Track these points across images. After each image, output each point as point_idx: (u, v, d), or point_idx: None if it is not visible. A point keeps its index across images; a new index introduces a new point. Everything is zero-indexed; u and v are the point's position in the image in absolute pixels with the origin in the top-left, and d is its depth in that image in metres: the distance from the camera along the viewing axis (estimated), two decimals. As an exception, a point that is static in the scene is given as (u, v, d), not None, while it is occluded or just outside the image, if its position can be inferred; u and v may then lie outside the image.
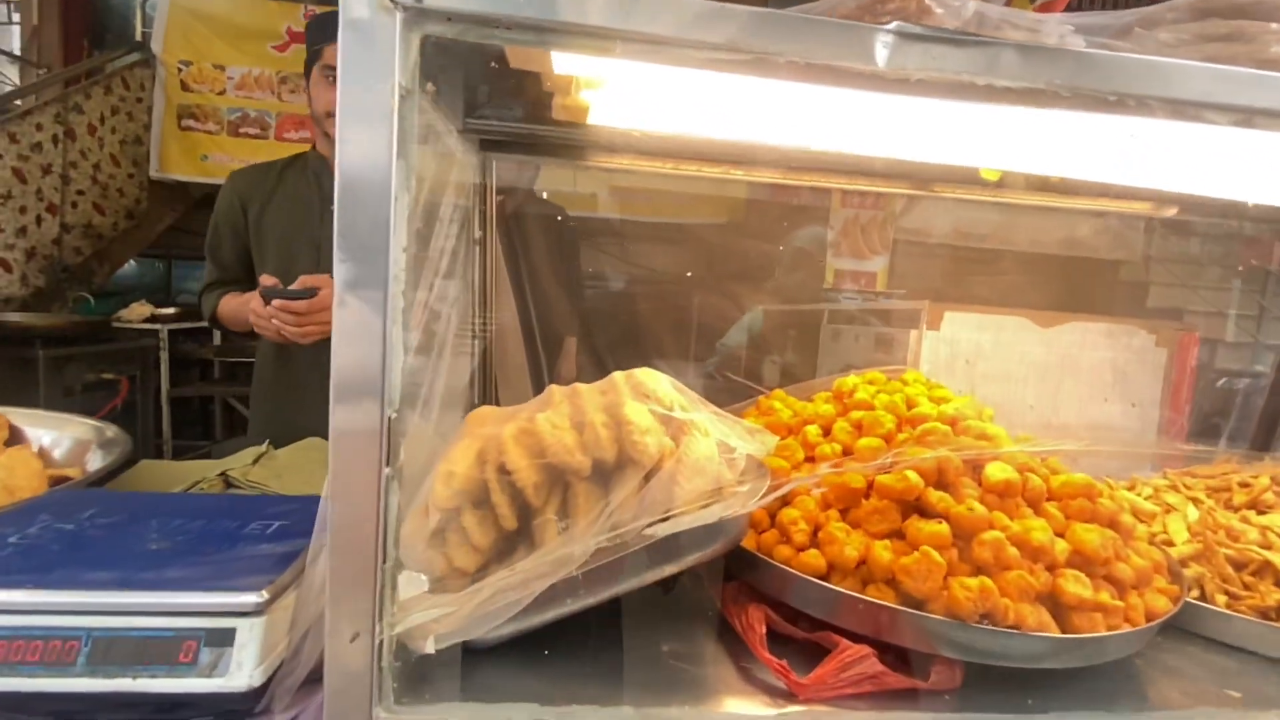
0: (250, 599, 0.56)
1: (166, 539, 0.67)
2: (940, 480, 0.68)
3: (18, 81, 4.27)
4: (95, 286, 3.66)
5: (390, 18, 0.44)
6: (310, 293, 1.16)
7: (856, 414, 0.79)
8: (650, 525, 0.57)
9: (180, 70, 3.80)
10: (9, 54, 4.61)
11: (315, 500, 0.76)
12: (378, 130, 0.45)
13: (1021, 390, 1.30)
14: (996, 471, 0.67)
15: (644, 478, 0.62)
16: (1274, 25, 0.70)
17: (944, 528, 0.63)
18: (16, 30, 5.20)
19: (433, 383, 0.73)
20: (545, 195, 1.55)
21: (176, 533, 0.68)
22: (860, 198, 3.06)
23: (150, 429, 3.46)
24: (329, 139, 1.33)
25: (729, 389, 1.96)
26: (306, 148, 1.44)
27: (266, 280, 1.20)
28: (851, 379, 0.87)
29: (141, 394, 3.36)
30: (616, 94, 0.69)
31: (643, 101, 0.71)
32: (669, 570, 0.62)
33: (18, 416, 1.13)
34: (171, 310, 3.66)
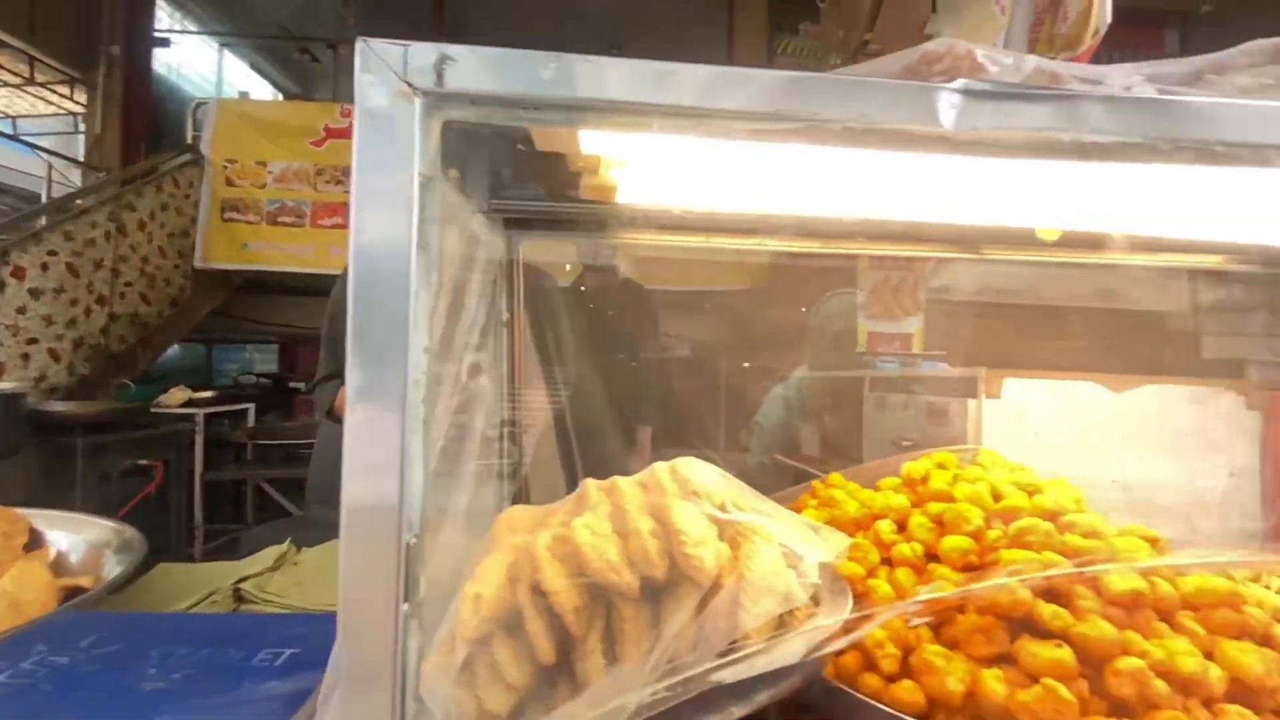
0: (247, 765, 0.47)
1: (165, 676, 0.59)
2: (1049, 590, 0.58)
3: (79, 185, 4.58)
4: (139, 372, 3.76)
5: (410, 104, 0.40)
6: None
7: (935, 506, 0.69)
8: (717, 669, 0.48)
9: (225, 168, 4.03)
10: (72, 159, 4.99)
11: (331, 620, 0.69)
12: (396, 221, 0.40)
13: (1102, 465, 1.17)
14: (1120, 580, 0.56)
15: (701, 598, 0.53)
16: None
17: (1066, 653, 0.53)
18: (81, 139, 5.65)
19: (462, 483, 0.66)
20: (567, 268, 1.51)
21: (177, 666, 0.61)
22: (892, 258, 2.99)
23: (183, 513, 3.45)
24: None
25: (776, 471, 1.84)
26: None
27: None
28: (922, 463, 0.78)
29: (176, 478, 3.37)
30: (650, 170, 0.65)
31: (679, 176, 0.67)
32: (737, 713, 0.52)
33: (38, 519, 1.11)
34: (209, 394, 3.71)
